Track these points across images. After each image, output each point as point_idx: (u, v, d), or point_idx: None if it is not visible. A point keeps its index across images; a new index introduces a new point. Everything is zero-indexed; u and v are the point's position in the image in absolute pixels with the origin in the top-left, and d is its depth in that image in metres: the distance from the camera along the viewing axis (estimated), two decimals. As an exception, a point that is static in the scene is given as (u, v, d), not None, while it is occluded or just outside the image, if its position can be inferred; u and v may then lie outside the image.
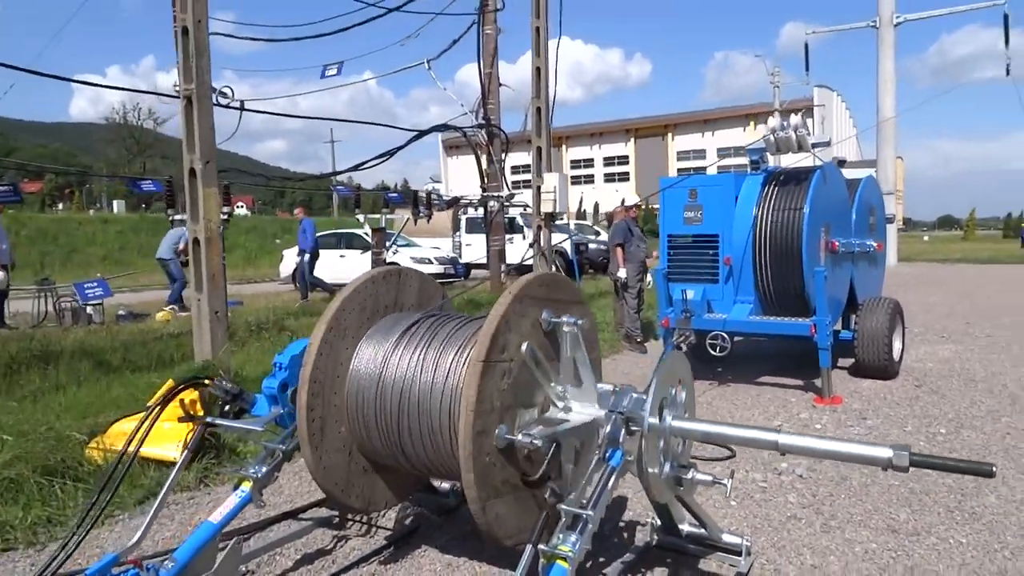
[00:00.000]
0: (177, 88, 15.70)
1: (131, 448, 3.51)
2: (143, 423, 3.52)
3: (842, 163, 9.38)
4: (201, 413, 5.16)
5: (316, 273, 21.80)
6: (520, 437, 2.99)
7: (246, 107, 10.08)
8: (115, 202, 57.46)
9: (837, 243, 7.49)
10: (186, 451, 3.57)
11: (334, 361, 3.49)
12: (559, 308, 3.35)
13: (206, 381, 3.94)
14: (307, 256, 16.65)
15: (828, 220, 7.47)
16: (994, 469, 2.47)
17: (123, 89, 75.62)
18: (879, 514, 4.31)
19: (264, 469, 3.41)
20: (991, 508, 4.35)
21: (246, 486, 3.36)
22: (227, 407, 3.83)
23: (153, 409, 3.63)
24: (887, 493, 4.63)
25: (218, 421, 3.70)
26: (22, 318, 12.64)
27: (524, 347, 3.12)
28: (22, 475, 4.45)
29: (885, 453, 2.51)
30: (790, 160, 8.91)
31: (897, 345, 8.08)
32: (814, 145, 7.78)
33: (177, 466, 3.46)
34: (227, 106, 8.84)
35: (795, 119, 7.61)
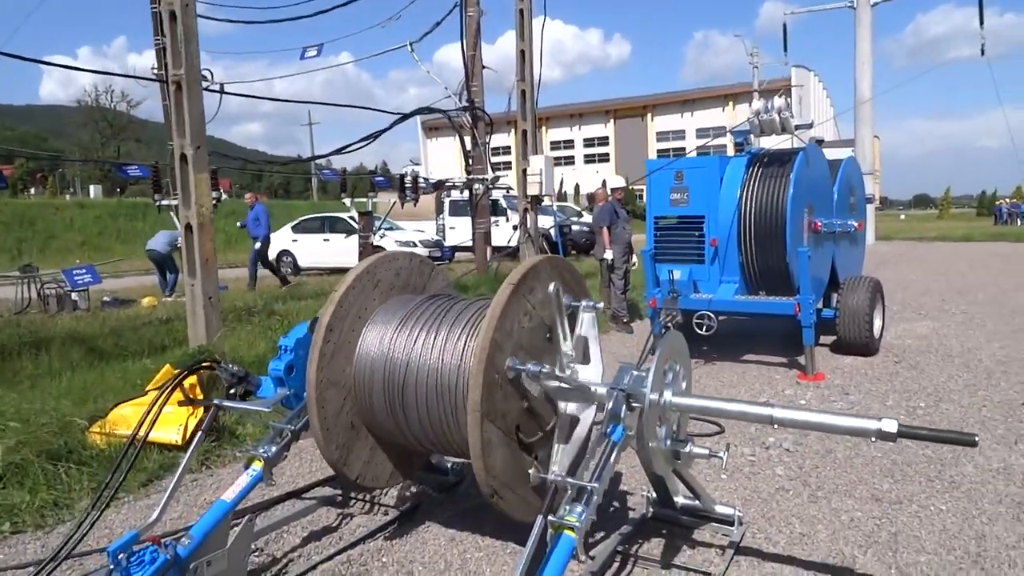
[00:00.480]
0: (155, 71, 15.51)
1: (141, 432, 3.59)
2: (152, 407, 3.59)
3: (820, 143, 9.54)
4: (201, 397, 5.25)
5: (300, 258, 21.80)
6: (530, 366, 3.16)
7: (226, 90, 10.08)
8: (91, 187, 56.61)
9: (820, 223, 7.66)
10: (200, 433, 3.64)
11: (342, 340, 3.58)
12: (574, 290, 3.52)
13: (211, 365, 4.00)
14: (258, 244, 15.88)
15: (811, 201, 7.63)
16: (977, 439, 2.63)
17: (102, 73, 74.48)
18: (863, 484, 4.49)
19: (274, 449, 3.50)
20: (969, 477, 4.55)
21: (257, 465, 3.45)
22: (233, 390, 3.91)
23: (162, 393, 3.70)
24: (870, 464, 4.82)
25: (226, 403, 3.77)
26: (3, 305, 12.55)
27: (552, 286, 3.31)
28: (27, 460, 4.50)
29: (875, 424, 2.66)
30: (771, 142, 9.06)
31: (877, 322, 8.30)
32: (797, 127, 7.92)
33: (193, 445, 3.54)
34: (207, 89, 8.81)
35: (779, 101, 7.75)
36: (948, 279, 15.95)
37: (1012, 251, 24.40)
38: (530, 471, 3.26)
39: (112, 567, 2.81)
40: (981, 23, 26.92)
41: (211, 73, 8.90)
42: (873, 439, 2.70)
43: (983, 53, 27.09)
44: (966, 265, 19.28)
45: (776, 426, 2.94)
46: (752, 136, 8.35)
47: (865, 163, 27.49)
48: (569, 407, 3.43)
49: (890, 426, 2.61)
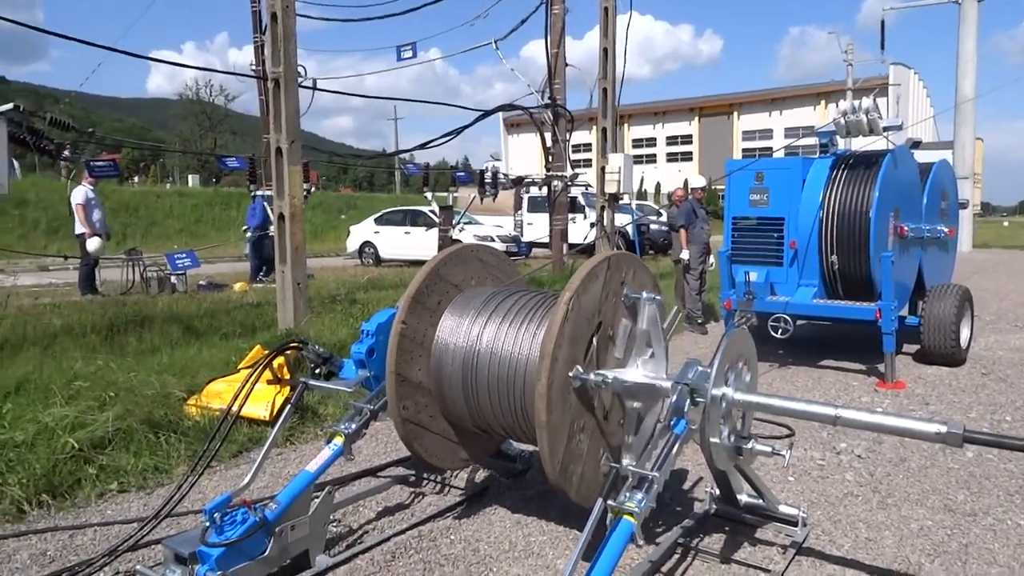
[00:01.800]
0: (253, 68, 16.21)
1: (234, 407, 3.89)
2: (245, 384, 3.89)
3: (916, 144, 9.21)
4: (288, 376, 5.57)
5: (381, 249, 22.36)
6: (592, 376, 3.27)
7: (318, 86, 10.54)
8: (189, 176, 59.43)
9: (906, 228, 7.45)
10: (289, 407, 3.92)
11: (420, 328, 3.79)
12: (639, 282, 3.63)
13: (298, 345, 4.28)
14: (250, 234, 15.63)
15: (898, 204, 7.43)
16: (1046, 446, 2.59)
17: (203, 69, 78.07)
18: (936, 494, 4.41)
19: (354, 426, 3.74)
20: (1052, 493, 4.40)
21: (338, 440, 3.70)
22: (318, 370, 4.18)
23: (254, 371, 3.99)
24: (946, 475, 4.71)
25: (312, 382, 4.04)
26: (110, 286, 13.47)
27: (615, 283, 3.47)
28: (132, 427, 4.91)
29: (937, 427, 2.66)
30: (862, 143, 8.83)
31: (964, 332, 8.00)
32: (885, 128, 7.71)
33: (282, 419, 3.81)
34: (301, 85, 9.25)
35: (867, 102, 7.56)
36: (1050, 290, 15.09)
37: None
38: (601, 460, 3.37)
39: (208, 524, 3.09)
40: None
41: (305, 70, 9.36)
42: (937, 442, 2.69)
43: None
44: (1072, 276, 18.16)
45: (838, 426, 2.96)
46: (838, 137, 8.17)
47: (964, 166, 26.29)
48: (636, 401, 3.53)
49: (955, 429, 2.61)
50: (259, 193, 10.33)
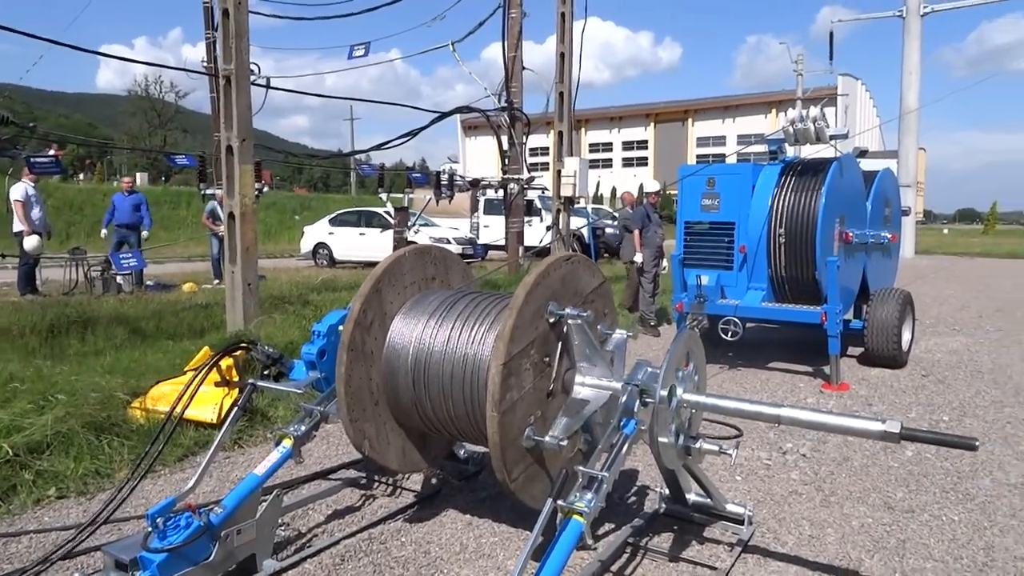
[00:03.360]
0: (205, 64, 15.90)
1: (178, 408, 3.81)
2: (190, 385, 3.81)
3: (863, 153, 9.50)
4: (237, 379, 5.48)
5: (336, 250, 22.10)
6: (547, 439, 3.30)
7: (272, 84, 10.38)
8: (138, 174, 57.96)
9: (851, 234, 7.66)
10: (236, 409, 3.84)
11: (371, 329, 3.75)
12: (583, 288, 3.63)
13: (247, 346, 4.21)
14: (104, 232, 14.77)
15: (843, 211, 7.64)
16: (977, 443, 2.69)
17: (152, 64, 76.24)
18: (877, 492, 4.54)
19: (303, 428, 3.70)
20: (985, 490, 4.56)
21: (287, 443, 3.64)
22: (267, 371, 4.12)
23: (199, 372, 3.91)
24: (886, 474, 4.86)
25: (261, 383, 3.97)
26: (52, 285, 13.05)
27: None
28: (73, 430, 4.76)
29: (878, 426, 2.74)
30: (811, 150, 9.05)
31: (906, 335, 8.26)
32: (832, 137, 7.92)
33: (228, 421, 3.74)
34: (254, 83, 9.09)
35: (814, 111, 7.76)
36: (988, 296, 15.66)
37: (1058, 270, 23.79)
38: (525, 432, 3.34)
39: (151, 529, 3.01)
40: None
41: (259, 67, 9.21)
42: (876, 439, 2.78)
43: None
44: (1009, 283, 18.87)
45: (782, 425, 3.03)
46: (787, 144, 8.36)
47: (908, 175, 27.11)
48: (582, 392, 3.56)
49: (893, 427, 2.69)
50: (209, 191, 10.14)
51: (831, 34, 30.67)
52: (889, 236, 8.93)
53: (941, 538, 3.89)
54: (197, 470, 3.43)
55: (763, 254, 7.77)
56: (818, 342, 7.69)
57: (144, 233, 14.49)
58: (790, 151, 8.71)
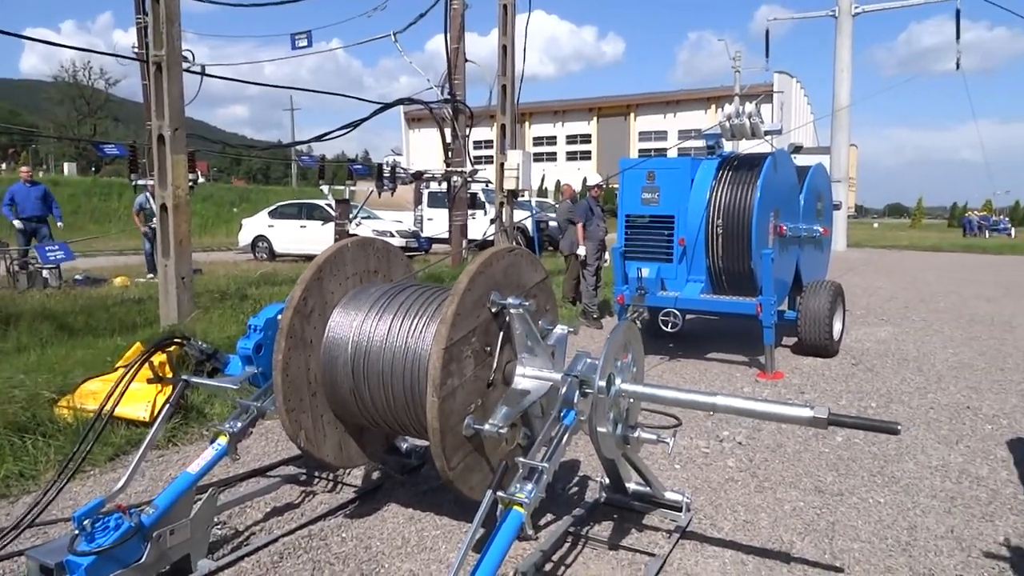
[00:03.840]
0: (136, 50, 15.38)
1: (108, 406, 3.68)
2: (120, 382, 3.69)
3: (798, 149, 9.77)
4: (170, 375, 5.32)
5: (276, 243, 21.68)
6: (487, 427, 3.30)
7: (208, 72, 10.08)
8: (66, 164, 55.74)
9: (785, 227, 7.87)
10: (168, 406, 3.74)
11: (311, 318, 3.69)
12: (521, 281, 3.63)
13: (180, 341, 4.10)
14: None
15: (777, 205, 7.84)
16: (899, 427, 2.81)
17: (79, 49, 73.13)
18: (808, 477, 4.69)
19: (239, 425, 3.62)
20: (909, 473, 4.77)
21: (222, 440, 3.56)
22: (201, 367, 4.01)
23: (130, 369, 3.79)
24: (817, 459, 5.02)
25: (194, 379, 3.87)
26: (-28, 280, 12.47)
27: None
28: (-6, 431, 4.56)
29: (807, 412, 2.83)
30: (748, 145, 9.28)
31: (837, 325, 8.55)
32: (766, 132, 8.13)
33: (160, 419, 3.64)
34: (188, 70, 8.80)
35: (749, 107, 7.95)
36: (913, 287, 16.33)
37: (977, 262, 24.97)
38: (465, 421, 3.35)
39: (77, 532, 2.91)
40: (958, 38, 27.41)
41: (193, 54, 8.91)
42: (806, 425, 2.87)
43: (958, 67, 27.59)
44: (932, 274, 19.72)
45: (717, 413, 3.10)
46: (724, 139, 8.54)
47: (840, 170, 28.01)
48: (522, 383, 3.57)
49: (821, 413, 2.78)
50: (140, 182, 9.80)
51: (767, 32, 31.33)
52: (821, 230, 9.22)
53: (868, 519, 4.05)
54: (128, 470, 3.32)
55: (701, 247, 7.93)
56: (755, 333, 7.90)
57: (60, 224, 13.88)
58: (727, 146, 8.90)
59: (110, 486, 4.32)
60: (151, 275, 13.51)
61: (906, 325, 10.81)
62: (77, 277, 12.78)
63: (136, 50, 15.39)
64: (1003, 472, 4.79)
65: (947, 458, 5.05)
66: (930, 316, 11.67)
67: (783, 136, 9.49)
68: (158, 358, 5.21)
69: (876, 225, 79.99)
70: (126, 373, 3.69)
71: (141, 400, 5.15)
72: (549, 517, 3.95)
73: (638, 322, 8.47)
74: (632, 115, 72.77)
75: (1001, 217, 60.67)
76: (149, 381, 5.19)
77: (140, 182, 9.74)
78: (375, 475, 4.55)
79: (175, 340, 4.06)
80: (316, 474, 4.55)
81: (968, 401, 6.54)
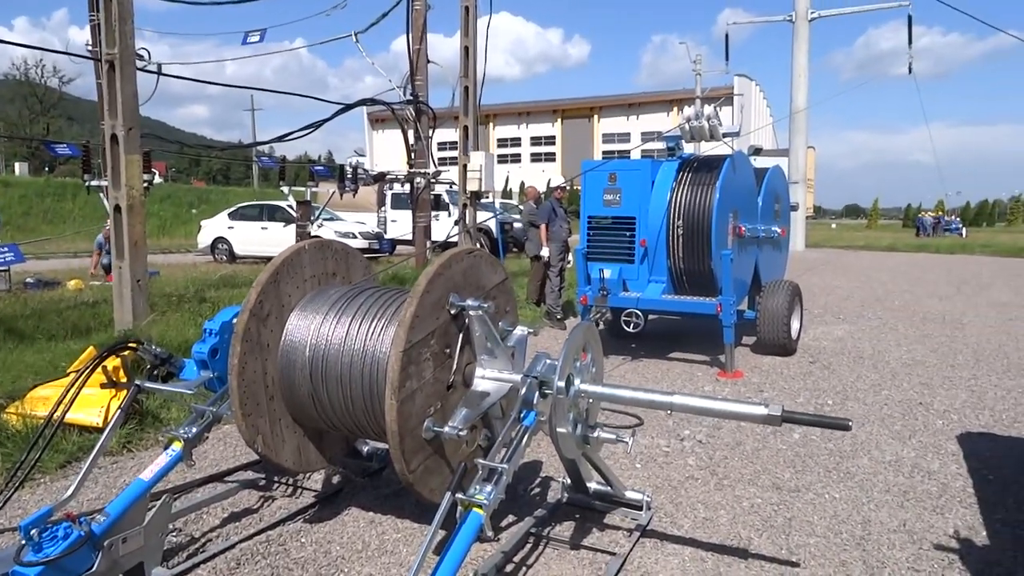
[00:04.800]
0: (90, 48, 15.04)
1: (59, 411, 3.59)
2: (71, 387, 3.59)
3: (758, 151, 9.94)
4: (124, 380, 5.21)
5: (236, 245, 21.36)
6: (447, 429, 3.28)
7: (164, 71, 9.88)
8: (16, 164, 54.17)
9: (744, 228, 7.99)
10: (119, 412, 3.65)
11: (268, 321, 3.64)
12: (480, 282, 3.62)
13: (134, 345, 4.01)
14: None
15: (736, 206, 7.96)
16: (850, 423, 2.87)
17: (33, 47, 71.14)
18: (767, 474, 4.76)
19: (195, 430, 3.54)
20: (863, 468, 4.87)
21: (177, 446, 3.49)
22: (155, 371, 3.93)
23: (81, 373, 3.70)
24: (775, 456, 5.11)
25: (148, 384, 3.79)
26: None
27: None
28: (-62, 439, 4.41)
29: (762, 410, 2.88)
30: (708, 147, 9.40)
31: (795, 324, 8.70)
32: (725, 135, 8.25)
33: (111, 425, 3.55)
34: (143, 69, 8.61)
35: (708, 109, 8.06)
36: (869, 286, 16.70)
37: (930, 262, 25.65)
38: (424, 423, 3.33)
39: (24, 542, 2.82)
40: (910, 43, 28.15)
41: (148, 53, 8.76)
42: (761, 423, 2.91)
43: (910, 71, 28.33)
44: (887, 274, 20.19)
45: (675, 411, 3.14)
46: (684, 141, 8.64)
47: (797, 172, 28.56)
48: (482, 384, 3.57)
49: (775, 411, 2.83)
50: (94, 183, 9.56)
51: (727, 36, 31.85)
52: (779, 230, 9.38)
53: (824, 515, 4.12)
54: (68, 482, 3.23)
55: (663, 248, 8.01)
56: (715, 332, 8.00)
57: None
58: (687, 148, 9.01)
59: (61, 494, 4.20)
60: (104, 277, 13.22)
61: (862, 323, 11.05)
62: (28, 280, 12.45)
63: (90, 48, 15.06)
64: (953, 466, 4.92)
65: (900, 453, 5.17)
66: (885, 314, 11.94)
67: (742, 138, 9.63)
68: (112, 363, 5.12)
69: (834, 226, 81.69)
70: (78, 378, 3.60)
71: (94, 406, 5.02)
72: (511, 518, 3.95)
73: (601, 323, 8.53)
74: (596, 117, 73.31)
75: (953, 217, 62.48)
76: (103, 386, 5.10)
77: (94, 183, 9.52)
78: (335, 479, 4.51)
79: (129, 344, 3.97)
80: (275, 479, 4.49)
81: (920, 397, 6.70)
